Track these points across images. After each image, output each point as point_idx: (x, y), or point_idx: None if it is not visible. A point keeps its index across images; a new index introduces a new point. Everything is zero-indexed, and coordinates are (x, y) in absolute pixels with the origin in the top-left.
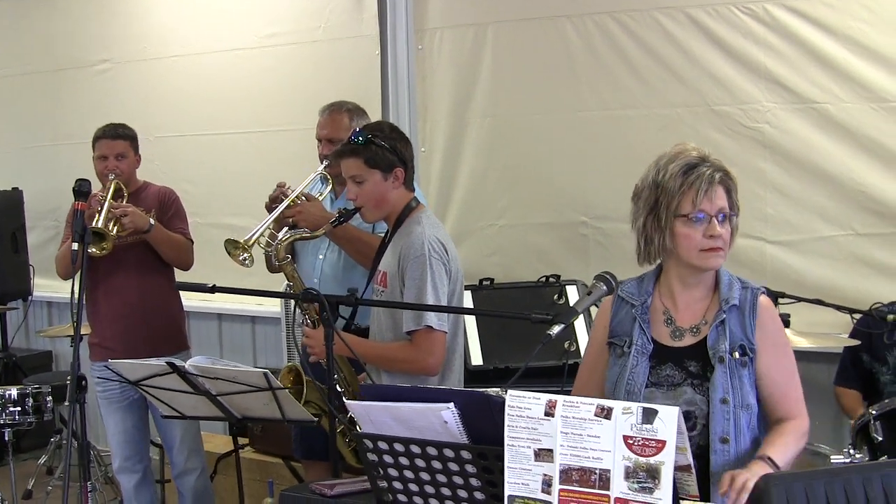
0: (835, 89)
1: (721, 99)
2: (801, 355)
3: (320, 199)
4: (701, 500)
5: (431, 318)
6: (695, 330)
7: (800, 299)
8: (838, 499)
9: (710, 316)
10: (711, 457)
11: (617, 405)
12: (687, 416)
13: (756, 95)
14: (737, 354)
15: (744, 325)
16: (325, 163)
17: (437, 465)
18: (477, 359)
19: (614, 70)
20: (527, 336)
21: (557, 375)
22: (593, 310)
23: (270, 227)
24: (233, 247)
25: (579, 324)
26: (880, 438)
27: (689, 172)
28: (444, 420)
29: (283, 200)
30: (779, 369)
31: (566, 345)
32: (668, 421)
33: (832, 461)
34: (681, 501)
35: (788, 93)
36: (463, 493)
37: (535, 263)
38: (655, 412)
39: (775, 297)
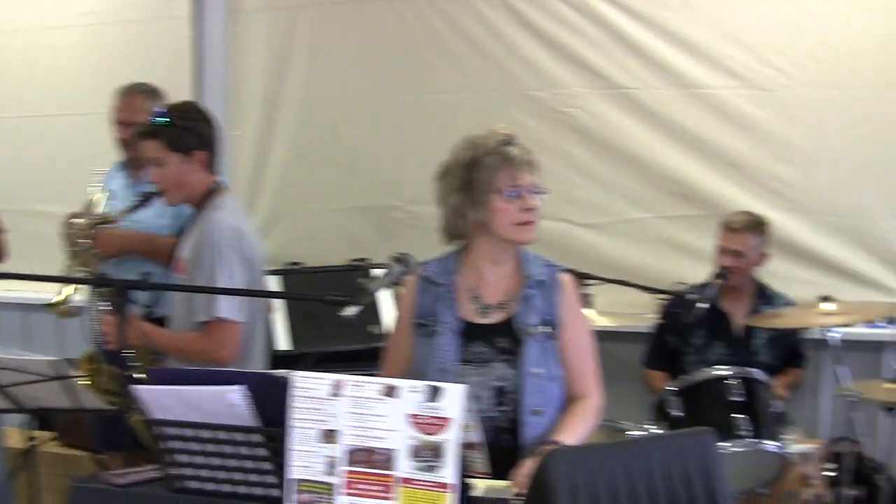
0: (645, 76)
1: (534, 84)
2: (608, 335)
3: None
4: (495, 478)
5: (223, 310)
6: (502, 306)
7: (606, 280)
8: (618, 470)
9: (516, 292)
10: (524, 429)
11: (404, 384)
12: (499, 391)
13: (568, 81)
14: (543, 328)
15: (548, 301)
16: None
17: (228, 449)
18: (285, 343)
19: (429, 55)
20: (337, 320)
21: (367, 359)
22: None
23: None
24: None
25: (386, 305)
26: (679, 414)
27: (504, 150)
28: (232, 403)
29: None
30: (577, 345)
31: (372, 328)
32: (454, 398)
33: (628, 436)
34: (470, 479)
35: (600, 78)
36: (255, 478)
37: (347, 247)
38: (441, 390)
39: (582, 278)
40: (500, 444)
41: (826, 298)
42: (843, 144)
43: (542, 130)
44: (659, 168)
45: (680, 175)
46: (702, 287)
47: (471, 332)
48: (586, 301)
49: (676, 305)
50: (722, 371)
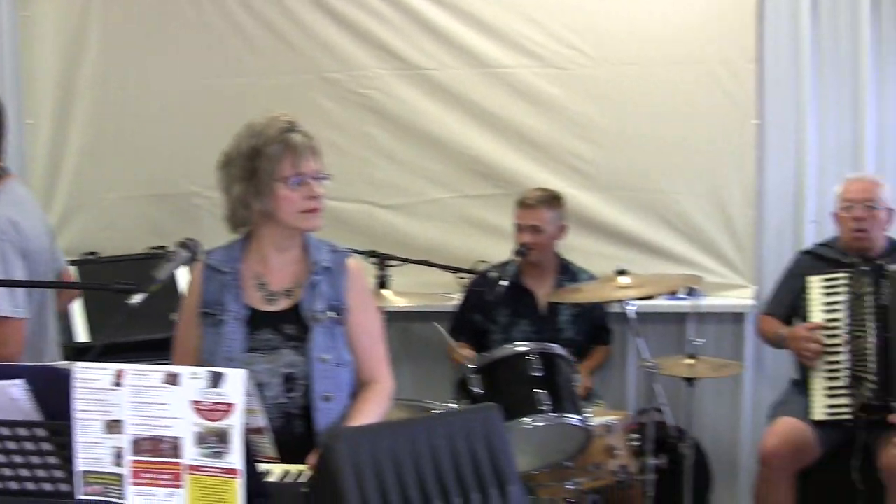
0: (442, 56)
1: (331, 66)
2: (414, 315)
3: None
4: (291, 464)
5: (1, 307)
6: (289, 293)
7: (408, 261)
8: (403, 449)
9: (302, 279)
10: (316, 415)
11: (185, 370)
12: (288, 378)
13: (365, 62)
14: (330, 314)
15: (335, 287)
16: None
17: (12, 445)
18: (82, 335)
19: (226, 38)
20: (137, 309)
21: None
22: None
23: None
24: None
25: None
26: (480, 391)
27: (286, 137)
28: (13, 397)
29: None
30: (366, 330)
31: (175, 316)
32: (236, 383)
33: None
34: (264, 464)
35: (397, 60)
36: (42, 473)
37: (148, 236)
38: (223, 375)
39: (384, 259)
40: (293, 430)
41: (622, 272)
42: (640, 121)
43: (340, 112)
44: (458, 147)
45: (479, 154)
46: (503, 265)
47: (257, 320)
48: (384, 282)
49: (479, 284)
50: (521, 347)
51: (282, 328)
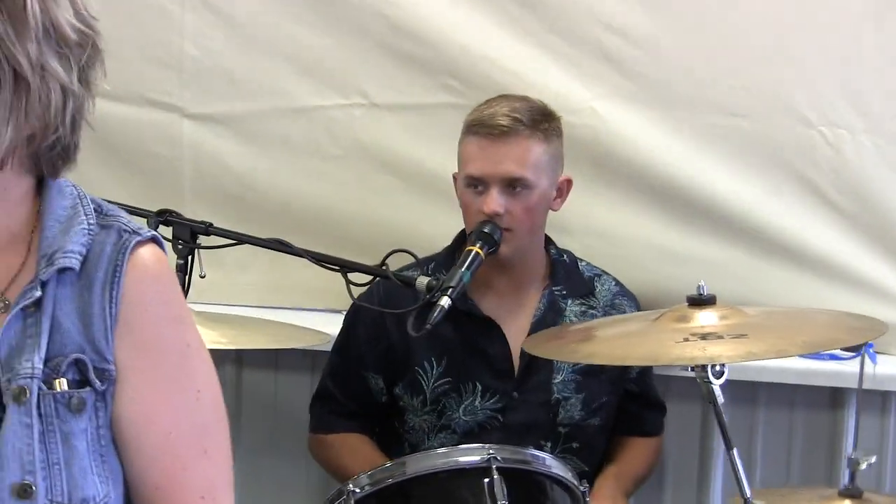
0: None
1: None
2: (247, 358)
3: None
4: None
5: None
6: None
7: (242, 241)
8: None
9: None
10: None
11: None
12: None
13: None
14: (59, 384)
15: (87, 316)
16: None
17: None
18: None
19: None
20: None
21: None
22: None
23: None
24: None
25: None
26: None
27: None
28: None
29: None
30: (161, 426)
31: None
32: None
33: None
34: None
35: None
36: None
37: None
38: None
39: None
40: None
41: (700, 300)
42: None
43: None
44: None
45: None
46: (438, 264)
47: None
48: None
49: (388, 301)
50: (470, 454)
51: None
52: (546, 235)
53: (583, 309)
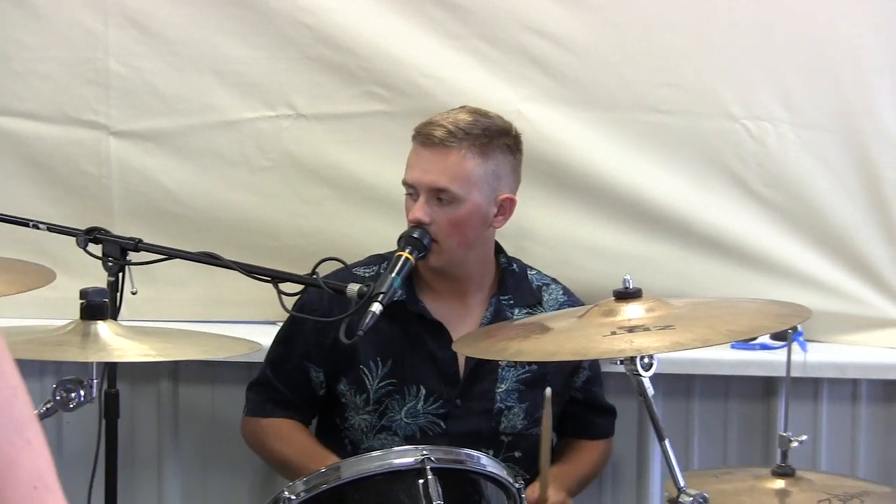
0: None
1: None
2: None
3: None
4: None
5: None
6: None
7: (171, 256)
8: None
9: None
10: None
11: None
12: None
13: None
14: None
15: None
16: None
17: None
18: None
19: None
20: None
21: None
22: None
23: None
24: None
25: None
26: None
27: None
28: None
29: None
30: None
31: None
32: None
33: None
34: None
35: None
36: None
37: None
38: None
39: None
40: None
41: (627, 294)
42: None
43: None
44: None
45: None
46: (375, 268)
47: None
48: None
49: (319, 308)
50: (404, 456)
51: None
52: (497, 244)
53: (523, 311)
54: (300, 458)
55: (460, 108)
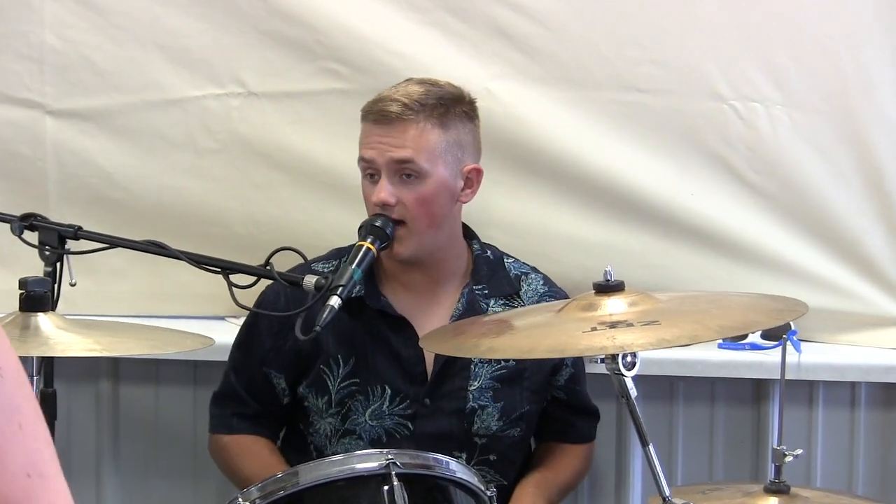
0: None
1: None
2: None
3: None
4: None
5: None
6: None
7: (115, 244)
8: None
9: None
10: None
11: None
12: None
13: None
14: None
15: None
16: None
17: None
18: None
19: None
20: None
21: None
22: None
23: None
24: None
25: None
26: None
27: None
28: None
29: None
30: None
31: None
32: None
33: None
34: None
35: None
36: None
37: None
38: None
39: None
40: None
41: (608, 286)
42: None
43: None
44: None
45: None
46: (336, 260)
47: None
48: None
49: (278, 302)
50: (368, 461)
51: None
52: (468, 228)
53: (506, 310)
54: (265, 476)
55: (406, 80)
